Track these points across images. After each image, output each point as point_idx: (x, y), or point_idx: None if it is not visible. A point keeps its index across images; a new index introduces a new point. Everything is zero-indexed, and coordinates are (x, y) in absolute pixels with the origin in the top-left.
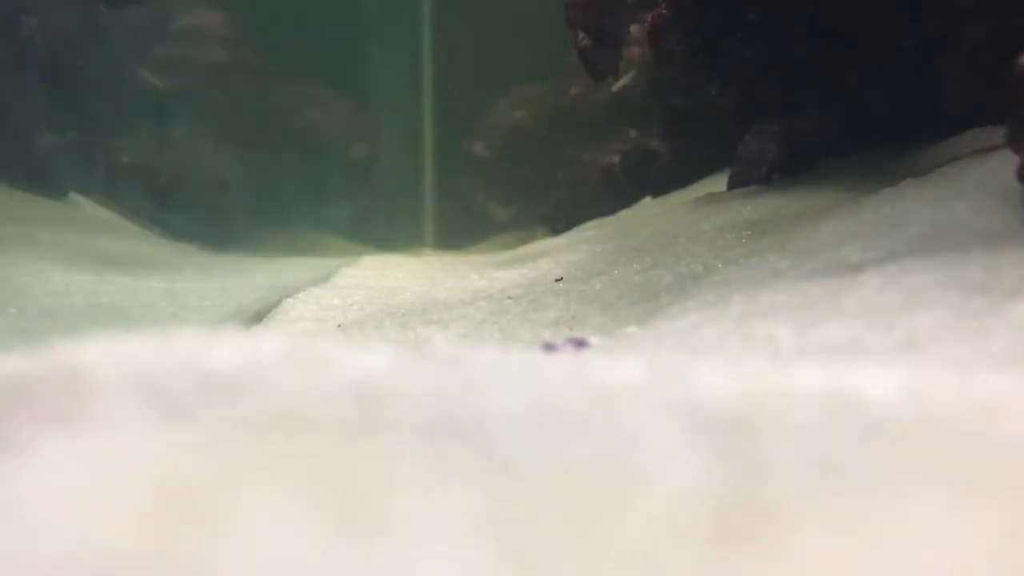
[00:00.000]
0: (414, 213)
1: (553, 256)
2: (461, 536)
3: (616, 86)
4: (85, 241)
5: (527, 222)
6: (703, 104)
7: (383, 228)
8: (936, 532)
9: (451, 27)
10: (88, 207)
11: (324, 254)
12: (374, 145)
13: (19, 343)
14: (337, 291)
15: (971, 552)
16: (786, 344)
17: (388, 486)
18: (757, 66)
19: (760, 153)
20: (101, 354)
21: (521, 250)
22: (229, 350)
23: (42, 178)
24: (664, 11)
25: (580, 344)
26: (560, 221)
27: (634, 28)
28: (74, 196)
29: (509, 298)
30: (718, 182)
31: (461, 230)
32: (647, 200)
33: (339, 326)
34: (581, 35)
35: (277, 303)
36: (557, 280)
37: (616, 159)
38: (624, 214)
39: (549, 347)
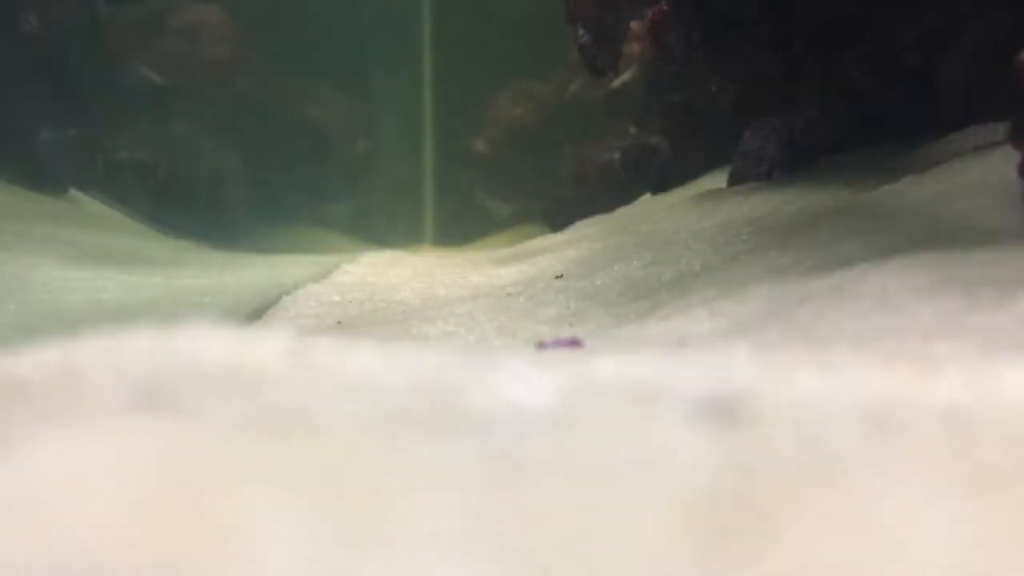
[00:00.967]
0: (414, 210)
1: (553, 253)
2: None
3: (616, 82)
4: (84, 238)
5: (527, 219)
6: (703, 100)
7: (383, 225)
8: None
9: (451, 23)
10: (87, 204)
11: (324, 251)
12: (374, 141)
13: (18, 340)
14: (337, 288)
15: None
16: (786, 342)
17: (388, 489)
18: (757, 62)
19: (760, 150)
20: (99, 351)
21: (521, 247)
22: (228, 347)
23: (41, 175)
24: (664, 7)
25: (573, 343)
26: (560, 218)
27: (634, 24)
28: (73, 193)
29: (509, 295)
30: (718, 179)
31: (461, 227)
32: (647, 197)
33: (338, 323)
34: (581, 31)
35: (277, 300)
36: (557, 277)
37: (616, 156)
38: (624, 211)
39: (543, 346)
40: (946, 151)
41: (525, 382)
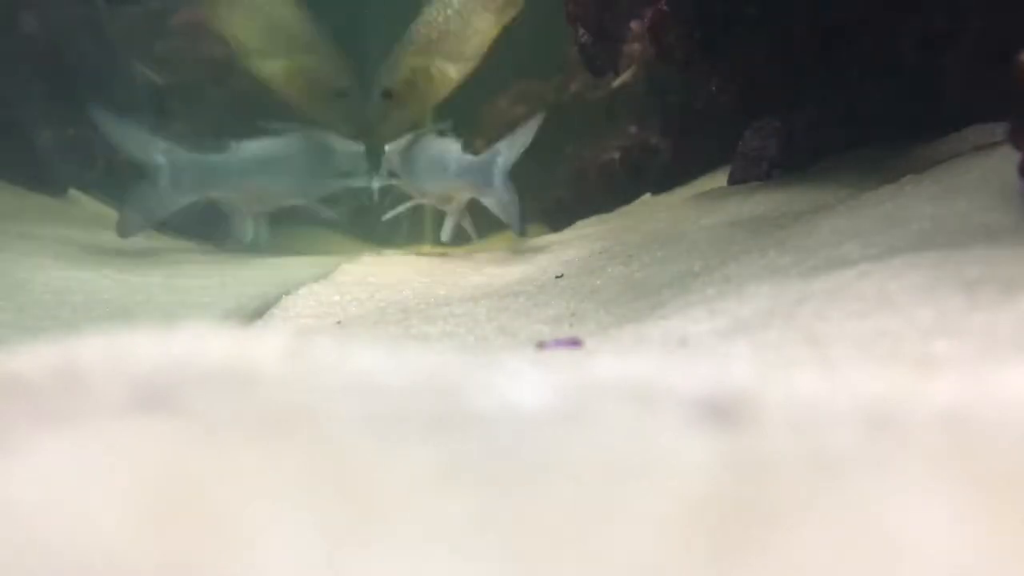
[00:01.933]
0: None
1: (553, 253)
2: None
3: (616, 82)
4: (84, 237)
5: (527, 219)
6: (703, 100)
7: (383, 225)
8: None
9: None
10: (87, 203)
11: (324, 251)
12: (374, 141)
13: (17, 339)
14: (337, 288)
15: None
16: (786, 342)
17: (388, 488)
18: (757, 62)
19: (760, 150)
20: (99, 351)
21: (520, 247)
22: (228, 346)
23: (41, 174)
24: (664, 7)
25: (573, 343)
26: (560, 218)
27: (634, 24)
28: (73, 193)
29: (508, 295)
30: (718, 179)
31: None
32: (647, 197)
33: (339, 323)
34: (581, 31)
35: (277, 299)
36: (557, 277)
37: (616, 156)
38: (624, 211)
39: (542, 346)
40: (946, 150)
41: (525, 382)
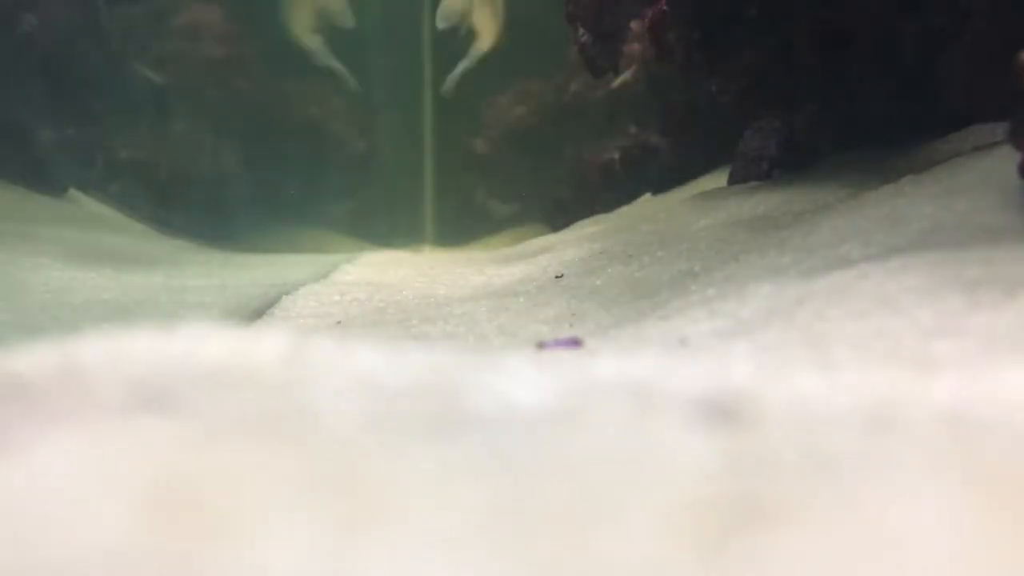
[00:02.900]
0: (414, 210)
1: (553, 253)
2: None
3: (616, 82)
4: (84, 237)
5: (527, 219)
6: (703, 100)
7: (383, 225)
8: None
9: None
10: (87, 203)
11: (324, 250)
12: (374, 141)
13: (18, 340)
14: (337, 288)
15: None
16: (786, 342)
17: (388, 488)
18: (757, 62)
19: (760, 149)
20: (100, 352)
21: (521, 247)
22: (229, 347)
23: (41, 174)
24: (664, 7)
25: (573, 343)
26: (560, 218)
27: (634, 24)
28: (73, 192)
29: (509, 295)
30: (718, 179)
31: (461, 227)
32: (647, 196)
33: (339, 323)
34: (581, 31)
35: (277, 300)
36: (557, 277)
37: (616, 155)
38: (624, 211)
39: (542, 346)
40: (946, 151)
41: (525, 382)
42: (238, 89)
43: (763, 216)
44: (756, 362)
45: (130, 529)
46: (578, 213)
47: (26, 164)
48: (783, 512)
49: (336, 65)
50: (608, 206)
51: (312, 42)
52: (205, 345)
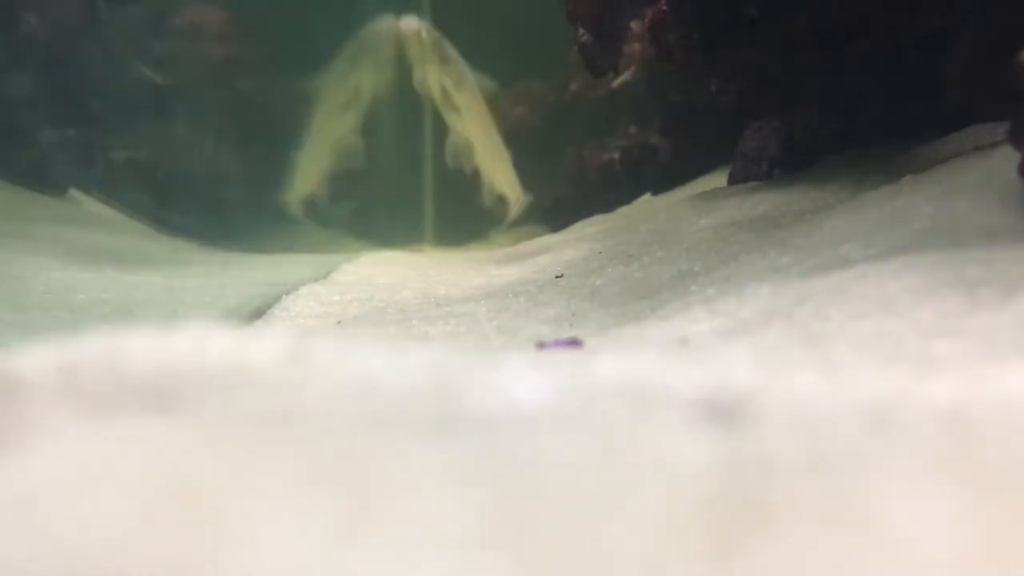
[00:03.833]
0: (414, 209)
1: (553, 253)
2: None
3: (616, 82)
4: (84, 238)
5: (527, 219)
6: (703, 100)
7: (383, 225)
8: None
9: (451, 23)
10: (87, 204)
11: (324, 250)
12: (374, 141)
13: (18, 340)
14: (337, 287)
15: None
16: (786, 342)
17: (387, 488)
18: (757, 62)
19: (760, 149)
20: (100, 352)
21: (521, 247)
22: (229, 347)
23: (41, 175)
24: (664, 7)
25: (573, 343)
26: (560, 218)
27: (634, 24)
28: (73, 193)
29: (509, 295)
30: (718, 178)
31: (461, 227)
32: (647, 196)
33: (339, 323)
34: (581, 31)
35: (277, 299)
36: (558, 277)
37: (616, 155)
38: (624, 211)
39: (542, 346)
40: (946, 151)
41: (525, 382)
42: (238, 89)
43: (763, 216)
44: (756, 362)
45: (130, 529)
46: (578, 213)
47: (26, 164)
48: (783, 512)
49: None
50: (608, 206)
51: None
52: (205, 345)
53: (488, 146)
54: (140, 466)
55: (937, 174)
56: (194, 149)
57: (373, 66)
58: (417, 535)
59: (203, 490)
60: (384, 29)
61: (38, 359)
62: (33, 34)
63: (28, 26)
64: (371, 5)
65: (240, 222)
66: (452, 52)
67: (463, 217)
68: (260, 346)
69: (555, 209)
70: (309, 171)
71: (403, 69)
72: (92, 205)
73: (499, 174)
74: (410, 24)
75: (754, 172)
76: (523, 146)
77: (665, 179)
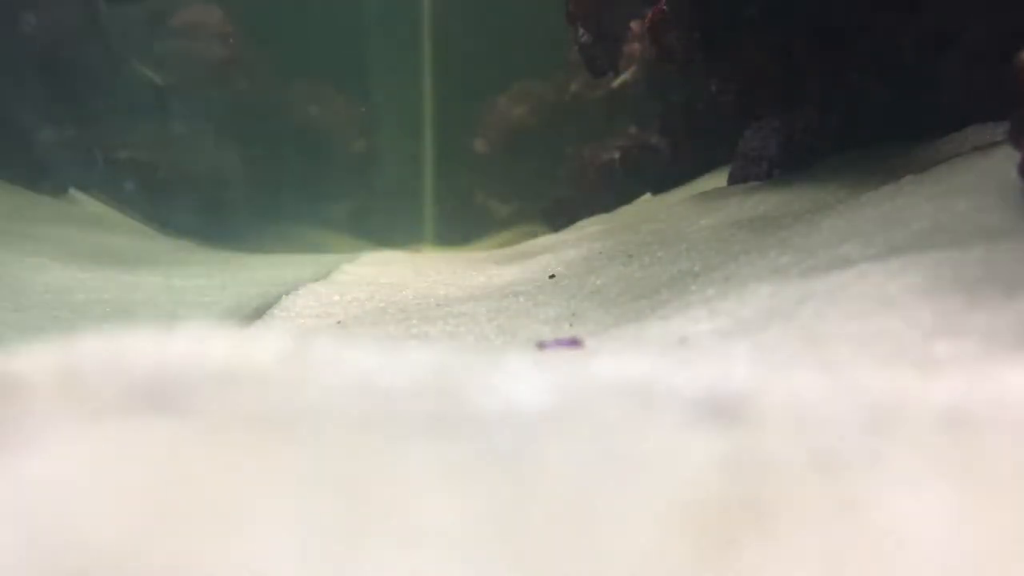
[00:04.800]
0: (414, 210)
1: (553, 253)
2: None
3: (616, 82)
4: (84, 237)
5: (527, 219)
6: (703, 100)
7: (383, 224)
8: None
9: (451, 23)
10: (87, 203)
11: (324, 250)
12: (374, 141)
13: (18, 340)
14: (337, 287)
15: None
16: (786, 342)
17: (387, 487)
18: (757, 62)
19: (760, 149)
20: (100, 351)
21: (521, 247)
22: (229, 347)
23: (41, 174)
24: (664, 7)
25: (573, 343)
26: (560, 218)
27: (634, 24)
28: (73, 192)
29: (509, 295)
30: (718, 178)
31: (461, 227)
32: (647, 196)
33: (339, 322)
34: (581, 31)
35: (277, 299)
36: (550, 277)
37: (616, 155)
38: (624, 211)
39: (542, 346)
40: (946, 150)
41: (525, 382)
42: (238, 89)
43: (763, 216)
44: (756, 362)
45: (130, 528)
46: (578, 213)
47: (26, 164)
48: (783, 512)
49: None
50: (608, 206)
51: None
52: (205, 345)
53: None
54: (140, 466)
55: (937, 174)
56: (194, 149)
57: None
58: (417, 535)
59: (203, 490)
60: None
61: (38, 359)
62: (33, 34)
63: (28, 26)
64: (371, 5)
65: (240, 222)
66: None
67: (463, 217)
68: (260, 346)
69: (555, 209)
70: None
71: None
72: (92, 205)
73: None
74: None
75: (754, 172)
76: (523, 146)
77: (665, 179)
